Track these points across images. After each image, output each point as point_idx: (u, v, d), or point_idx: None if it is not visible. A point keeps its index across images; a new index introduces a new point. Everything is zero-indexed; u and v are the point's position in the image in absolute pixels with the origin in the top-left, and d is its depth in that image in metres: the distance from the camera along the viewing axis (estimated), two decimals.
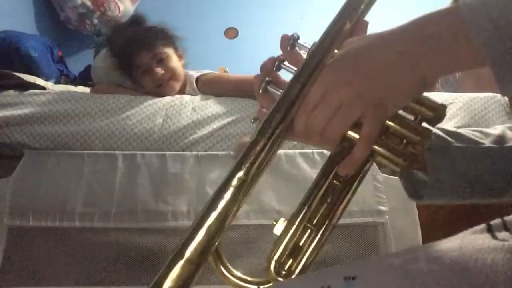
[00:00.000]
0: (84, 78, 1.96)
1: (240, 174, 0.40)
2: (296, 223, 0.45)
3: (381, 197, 1.11)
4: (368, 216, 1.11)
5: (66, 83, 1.93)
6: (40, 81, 1.52)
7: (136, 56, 1.41)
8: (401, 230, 1.09)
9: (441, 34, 0.38)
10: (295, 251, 0.45)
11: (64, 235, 1.08)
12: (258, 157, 0.41)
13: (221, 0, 3.00)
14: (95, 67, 1.82)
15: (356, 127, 0.41)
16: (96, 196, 1.09)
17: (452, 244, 0.41)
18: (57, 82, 1.89)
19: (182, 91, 1.48)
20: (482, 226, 0.43)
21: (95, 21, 2.50)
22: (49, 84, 1.60)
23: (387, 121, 0.43)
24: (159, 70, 1.40)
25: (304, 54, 0.48)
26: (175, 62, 1.46)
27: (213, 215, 0.39)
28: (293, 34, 0.47)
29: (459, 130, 0.54)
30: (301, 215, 0.45)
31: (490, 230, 0.42)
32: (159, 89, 1.42)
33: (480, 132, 0.55)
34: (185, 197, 1.10)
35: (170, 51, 1.46)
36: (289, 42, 0.47)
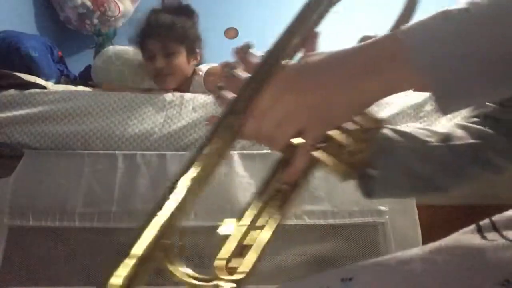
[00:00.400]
0: (84, 78, 1.96)
1: (191, 174, 0.41)
2: (242, 224, 0.46)
3: None
4: (368, 216, 1.11)
5: (66, 83, 1.93)
6: (40, 81, 1.52)
7: (147, 40, 1.47)
8: (401, 230, 1.09)
9: (380, 59, 0.40)
10: (242, 250, 0.45)
11: (64, 235, 1.08)
12: (207, 161, 0.42)
13: (221, 0, 3.00)
14: (95, 67, 1.82)
15: (301, 134, 0.44)
16: (96, 196, 1.09)
17: (444, 245, 0.42)
18: (57, 82, 1.89)
19: (186, 89, 1.50)
20: (472, 227, 0.45)
21: (95, 21, 2.50)
22: (49, 84, 1.59)
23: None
24: (161, 63, 1.44)
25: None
26: (181, 61, 1.48)
27: (161, 214, 0.40)
28: (247, 43, 0.50)
29: (407, 129, 0.57)
30: (248, 215, 0.46)
31: (479, 230, 0.43)
32: (155, 79, 1.47)
33: (429, 130, 0.57)
34: None
35: (181, 49, 1.48)
36: (243, 50, 0.50)
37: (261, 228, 0.46)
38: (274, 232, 0.46)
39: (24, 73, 1.50)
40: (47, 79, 1.73)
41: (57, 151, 1.15)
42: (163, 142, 1.18)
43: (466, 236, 0.44)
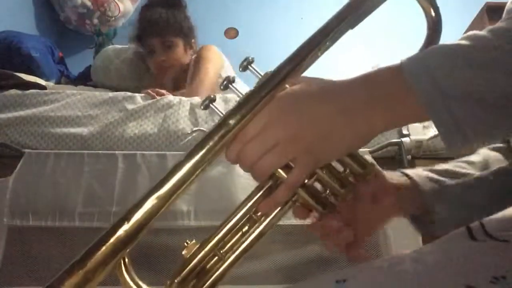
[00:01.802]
0: (84, 78, 1.96)
1: (160, 193, 0.41)
2: (206, 249, 0.45)
3: None
4: None
5: (66, 83, 1.93)
6: (40, 81, 1.53)
7: (147, 37, 1.58)
8: (401, 230, 1.09)
9: (382, 93, 0.39)
10: (200, 273, 0.45)
11: (64, 235, 1.08)
12: (181, 181, 0.42)
13: (221, 0, 3.00)
14: (94, 67, 1.82)
15: (286, 167, 0.42)
16: (96, 196, 1.09)
17: (436, 246, 0.43)
18: (58, 82, 1.89)
19: (184, 79, 1.58)
20: (463, 229, 0.46)
21: (95, 21, 2.50)
22: (49, 84, 1.60)
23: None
24: (161, 56, 1.56)
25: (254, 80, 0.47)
26: (179, 52, 1.59)
27: (122, 229, 0.39)
28: (248, 57, 0.47)
29: (445, 166, 0.56)
30: (213, 241, 0.45)
31: (470, 232, 0.44)
32: (157, 72, 1.59)
33: (465, 162, 0.57)
34: (184, 197, 1.10)
35: (178, 41, 1.58)
36: (243, 64, 0.47)
37: (224, 255, 0.45)
38: (233, 262, 0.45)
39: (25, 73, 1.50)
40: (47, 79, 1.74)
41: (57, 151, 1.15)
42: (163, 142, 1.18)
43: (456, 238, 0.45)
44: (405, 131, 1.16)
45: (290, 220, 1.10)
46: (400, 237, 1.09)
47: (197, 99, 1.30)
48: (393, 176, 0.54)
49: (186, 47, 1.63)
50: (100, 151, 1.15)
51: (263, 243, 1.12)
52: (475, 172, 0.55)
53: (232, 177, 1.11)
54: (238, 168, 1.13)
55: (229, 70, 1.60)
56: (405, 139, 1.14)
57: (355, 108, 0.40)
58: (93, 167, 1.12)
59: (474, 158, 0.58)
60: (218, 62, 1.56)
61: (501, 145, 0.60)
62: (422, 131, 1.17)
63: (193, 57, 1.63)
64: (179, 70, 1.60)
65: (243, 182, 1.11)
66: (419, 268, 0.41)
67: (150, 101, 1.26)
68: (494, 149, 0.59)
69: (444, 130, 0.36)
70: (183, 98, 1.29)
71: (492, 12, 2.07)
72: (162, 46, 1.56)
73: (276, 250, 1.08)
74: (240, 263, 0.46)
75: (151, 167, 1.13)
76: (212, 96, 0.47)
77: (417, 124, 1.18)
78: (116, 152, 1.15)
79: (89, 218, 1.08)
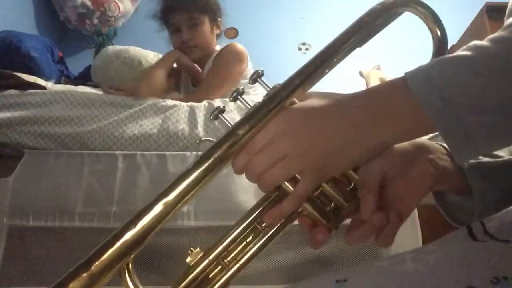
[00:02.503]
0: (84, 78, 1.96)
1: (167, 200, 0.40)
2: (210, 257, 0.45)
3: None
4: None
5: (66, 83, 1.93)
6: (40, 81, 1.52)
7: (172, 13, 1.51)
8: (401, 230, 1.09)
9: (389, 107, 0.39)
10: (203, 281, 0.45)
11: (64, 235, 1.08)
12: (189, 188, 0.41)
13: (221, 0, 3.00)
14: (94, 67, 1.82)
15: (293, 180, 0.42)
16: (96, 196, 1.09)
17: (436, 246, 0.43)
18: (57, 82, 1.89)
19: (204, 62, 1.54)
20: (463, 228, 0.45)
21: (95, 21, 2.50)
22: (49, 84, 1.60)
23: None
24: (187, 34, 1.49)
25: (262, 93, 0.47)
26: (206, 31, 1.53)
27: (129, 234, 0.39)
28: (258, 70, 0.47)
29: None
30: (218, 250, 0.45)
31: (471, 232, 0.44)
32: (183, 51, 1.51)
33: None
34: None
35: (205, 19, 1.53)
36: (252, 77, 0.47)
37: (228, 264, 0.45)
38: (236, 272, 0.45)
39: (24, 73, 1.50)
40: (47, 79, 1.73)
41: (57, 151, 1.15)
42: (163, 142, 1.18)
43: (457, 238, 0.45)
44: None
45: None
46: (400, 237, 1.09)
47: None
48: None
49: (213, 26, 1.57)
50: (100, 151, 1.15)
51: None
52: (506, 155, 0.53)
53: (232, 178, 1.11)
54: None
55: (249, 72, 1.52)
56: None
57: (364, 123, 0.40)
58: (93, 167, 1.12)
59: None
60: (236, 72, 1.47)
61: None
62: None
63: (215, 52, 1.55)
64: (203, 52, 1.54)
65: (243, 183, 1.11)
66: (420, 268, 0.41)
67: (150, 102, 1.26)
68: None
69: (451, 138, 0.37)
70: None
71: (492, 12, 2.07)
72: (189, 23, 1.50)
73: (276, 250, 1.08)
74: (242, 272, 0.46)
75: (151, 167, 1.13)
76: (221, 107, 0.47)
77: None
78: (116, 152, 1.15)
79: (89, 218, 1.08)
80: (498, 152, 0.53)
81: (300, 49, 2.87)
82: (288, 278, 1.07)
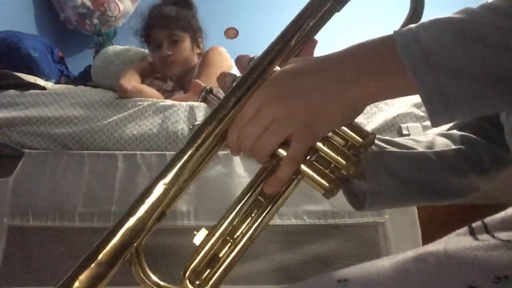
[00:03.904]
0: (84, 78, 1.96)
1: (165, 181, 0.40)
2: (217, 235, 0.45)
3: None
4: (368, 216, 1.11)
5: (66, 83, 1.93)
6: (40, 81, 1.53)
7: (153, 30, 1.57)
8: (401, 230, 1.09)
9: (374, 62, 0.39)
10: (212, 261, 0.45)
11: (64, 235, 1.08)
12: (184, 168, 0.41)
13: (221, 0, 3.00)
14: (94, 67, 1.82)
15: (287, 145, 0.42)
16: (96, 196, 1.09)
17: (438, 246, 0.43)
18: (57, 82, 1.89)
19: (189, 80, 1.58)
20: (465, 228, 0.45)
21: (95, 21, 2.50)
22: (49, 84, 1.60)
23: (317, 143, 0.44)
24: (167, 50, 1.54)
25: None
26: (186, 48, 1.58)
27: (132, 220, 0.39)
28: (253, 56, 0.47)
29: (391, 138, 0.56)
30: (223, 227, 0.45)
31: (472, 232, 0.44)
32: (162, 67, 1.57)
33: (413, 140, 0.56)
34: (184, 197, 1.10)
35: (185, 37, 1.58)
36: (249, 63, 0.47)
37: (235, 240, 0.45)
38: (244, 247, 0.45)
39: (24, 73, 1.50)
40: (47, 79, 1.74)
41: (57, 151, 1.15)
42: (162, 142, 1.18)
43: (458, 238, 0.45)
44: (405, 131, 1.16)
45: (290, 220, 1.10)
46: (400, 237, 1.09)
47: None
48: None
49: (193, 44, 1.62)
50: (100, 151, 1.15)
51: (262, 243, 1.13)
52: (418, 148, 0.54)
53: (231, 177, 1.11)
54: (237, 168, 1.14)
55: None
56: None
57: (345, 77, 0.40)
58: (93, 167, 1.12)
59: (421, 138, 0.57)
60: (225, 66, 1.53)
61: (453, 131, 0.59)
62: (422, 131, 1.17)
63: (199, 58, 1.62)
64: (184, 67, 1.58)
65: (243, 182, 1.11)
66: (421, 268, 0.41)
67: (149, 102, 1.27)
68: (445, 136, 0.58)
69: (430, 100, 0.36)
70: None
71: None
72: (169, 40, 1.55)
73: (276, 250, 1.08)
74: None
75: (151, 167, 1.13)
76: (207, 88, 0.48)
77: (417, 124, 1.18)
78: (116, 152, 1.15)
79: (89, 218, 1.08)
80: (413, 145, 0.54)
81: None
82: (288, 278, 1.07)
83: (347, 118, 0.43)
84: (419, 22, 0.39)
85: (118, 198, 1.09)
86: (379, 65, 0.39)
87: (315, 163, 0.44)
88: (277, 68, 0.44)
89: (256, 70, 0.43)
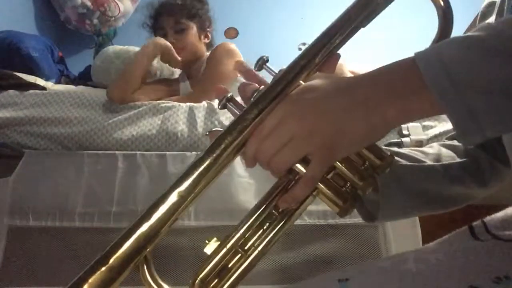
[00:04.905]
0: (84, 78, 1.96)
1: (181, 189, 0.40)
2: (228, 246, 0.44)
3: None
4: None
5: (66, 83, 1.93)
6: (40, 81, 1.53)
7: (160, 18, 1.56)
8: (401, 230, 1.09)
9: (397, 86, 0.39)
10: (222, 272, 0.44)
11: (64, 235, 1.08)
12: (201, 177, 0.41)
13: (221, 0, 2.99)
14: (94, 67, 1.82)
15: (304, 162, 0.41)
16: (96, 196, 1.09)
17: (438, 246, 0.43)
18: (57, 82, 1.89)
19: (197, 72, 1.54)
20: (465, 228, 0.45)
21: (95, 21, 2.50)
22: (49, 84, 1.60)
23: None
24: (172, 38, 1.51)
25: (269, 78, 0.47)
26: (192, 37, 1.56)
27: (145, 226, 0.39)
28: (263, 56, 0.47)
29: (401, 150, 0.56)
30: (234, 238, 0.45)
31: (472, 232, 0.44)
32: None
33: (421, 152, 0.56)
34: None
35: (192, 25, 1.56)
36: (258, 63, 0.47)
37: (247, 252, 0.45)
38: (255, 259, 0.44)
39: (24, 73, 1.50)
40: (47, 79, 1.73)
41: (56, 151, 1.15)
42: (162, 143, 1.18)
43: (459, 237, 0.45)
44: (405, 131, 1.16)
45: None
46: (400, 237, 1.09)
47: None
48: None
49: (201, 34, 1.60)
50: (100, 151, 1.15)
51: None
52: (427, 161, 0.54)
53: (232, 177, 1.11)
54: (238, 168, 1.14)
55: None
56: (405, 139, 1.14)
57: (369, 101, 0.39)
58: (93, 167, 1.12)
59: (428, 149, 0.57)
60: (231, 65, 1.48)
61: (455, 143, 0.59)
62: (422, 131, 1.17)
63: (208, 52, 1.58)
64: (190, 56, 1.54)
65: (243, 182, 1.11)
66: (422, 268, 0.41)
67: (149, 103, 1.27)
68: (449, 147, 0.58)
69: (457, 119, 0.36)
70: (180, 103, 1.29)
71: None
72: (175, 28, 1.53)
73: (276, 250, 1.08)
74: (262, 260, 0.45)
75: (151, 167, 1.13)
76: (228, 96, 0.47)
77: (417, 124, 1.19)
78: (116, 152, 1.15)
79: (89, 218, 1.08)
80: (422, 158, 0.54)
81: (300, 49, 2.84)
82: (288, 278, 1.07)
83: (368, 142, 0.43)
84: (440, 42, 0.38)
85: (118, 198, 1.09)
86: (402, 89, 0.38)
87: (331, 181, 0.44)
88: (301, 82, 0.43)
89: (279, 84, 0.43)
